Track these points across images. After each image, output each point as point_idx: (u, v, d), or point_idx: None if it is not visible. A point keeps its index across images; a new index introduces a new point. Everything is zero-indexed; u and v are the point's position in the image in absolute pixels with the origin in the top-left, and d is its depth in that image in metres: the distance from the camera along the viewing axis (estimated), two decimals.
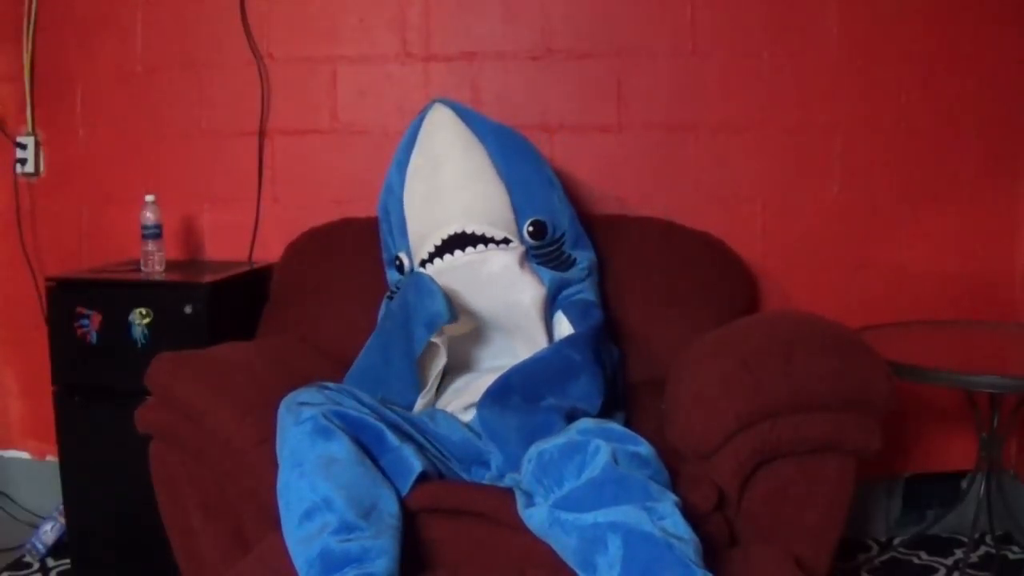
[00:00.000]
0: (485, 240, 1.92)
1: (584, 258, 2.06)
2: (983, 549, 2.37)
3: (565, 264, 2.00)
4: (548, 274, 1.96)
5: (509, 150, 2.04)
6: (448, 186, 1.96)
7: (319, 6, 2.45)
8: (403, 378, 1.79)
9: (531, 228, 1.98)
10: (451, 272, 1.90)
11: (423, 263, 1.94)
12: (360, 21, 2.44)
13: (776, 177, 2.43)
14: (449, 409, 1.83)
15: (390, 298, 2.05)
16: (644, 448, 1.51)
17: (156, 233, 2.28)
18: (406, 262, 2.02)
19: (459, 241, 1.92)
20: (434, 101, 2.07)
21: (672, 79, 2.41)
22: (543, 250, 1.99)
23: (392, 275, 2.09)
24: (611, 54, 2.40)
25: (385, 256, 2.12)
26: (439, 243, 1.92)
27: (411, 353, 1.76)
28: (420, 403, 1.81)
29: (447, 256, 1.91)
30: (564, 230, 2.04)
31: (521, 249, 1.95)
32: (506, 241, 1.93)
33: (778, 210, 2.44)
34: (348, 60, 2.45)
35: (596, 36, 2.40)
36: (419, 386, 1.80)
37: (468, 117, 2.04)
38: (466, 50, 2.43)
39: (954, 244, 2.45)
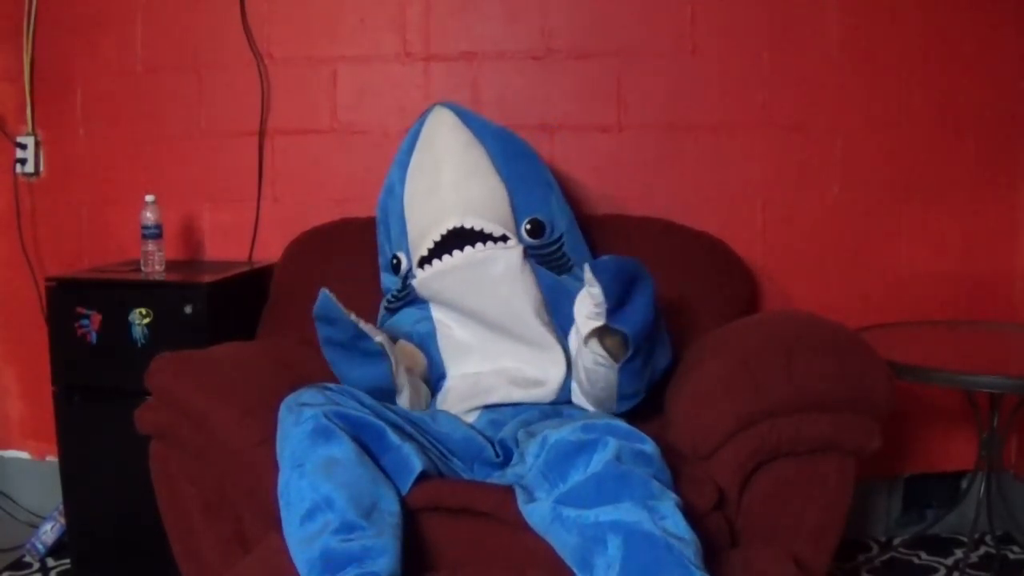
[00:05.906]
0: (483, 237, 1.89)
1: (583, 262, 2.05)
2: (983, 549, 2.37)
3: (564, 267, 1.99)
4: (547, 276, 1.95)
5: (508, 151, 2.04)
6: (447, 183, 1.95)
7: (319, 6, 2.45)
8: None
9: (528, 226, 1.97)
10: (455, 273, 1.88)
11: (422, 262, 1.91)
12: (360, 21, 2.44)
13: (776, 177, 2.43)
14: (453, 412, 1.83)
15: (388, 306, 2.05)
16: (649, 446, 1.51)
17: (156, 233, 2.28)
18: (404, 262, 2.00)
19: (457, 238, 1.88)
20: (435, 104, 2.07)
21: (672, 79, 2.41)
22: (542, 250, 1.97)
23: (388, 279, 2.08)
24: (611, 54, 2.40)
25: (381, 260, 2.11)
26: (438, 239, 1.89)
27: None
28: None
29: (446, 257, 1.88)
30: (563, 232, 2.03)
31: (520, 248, 1.92)
32: (504, 239, 1.91)
33: (778, 210, 2.44)
34: (348, 60, 2.45)
35: (596, 36, 2.40)
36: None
37: (468, 119, 2.04)
38: (466, 50, 2.43)
39: (954, 244, 2.45)
